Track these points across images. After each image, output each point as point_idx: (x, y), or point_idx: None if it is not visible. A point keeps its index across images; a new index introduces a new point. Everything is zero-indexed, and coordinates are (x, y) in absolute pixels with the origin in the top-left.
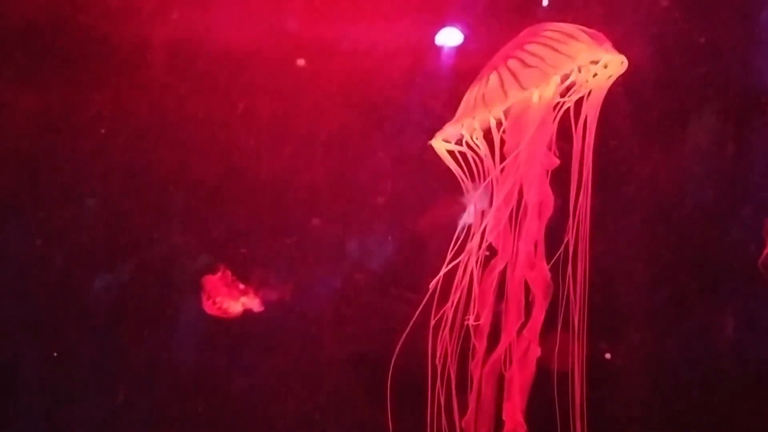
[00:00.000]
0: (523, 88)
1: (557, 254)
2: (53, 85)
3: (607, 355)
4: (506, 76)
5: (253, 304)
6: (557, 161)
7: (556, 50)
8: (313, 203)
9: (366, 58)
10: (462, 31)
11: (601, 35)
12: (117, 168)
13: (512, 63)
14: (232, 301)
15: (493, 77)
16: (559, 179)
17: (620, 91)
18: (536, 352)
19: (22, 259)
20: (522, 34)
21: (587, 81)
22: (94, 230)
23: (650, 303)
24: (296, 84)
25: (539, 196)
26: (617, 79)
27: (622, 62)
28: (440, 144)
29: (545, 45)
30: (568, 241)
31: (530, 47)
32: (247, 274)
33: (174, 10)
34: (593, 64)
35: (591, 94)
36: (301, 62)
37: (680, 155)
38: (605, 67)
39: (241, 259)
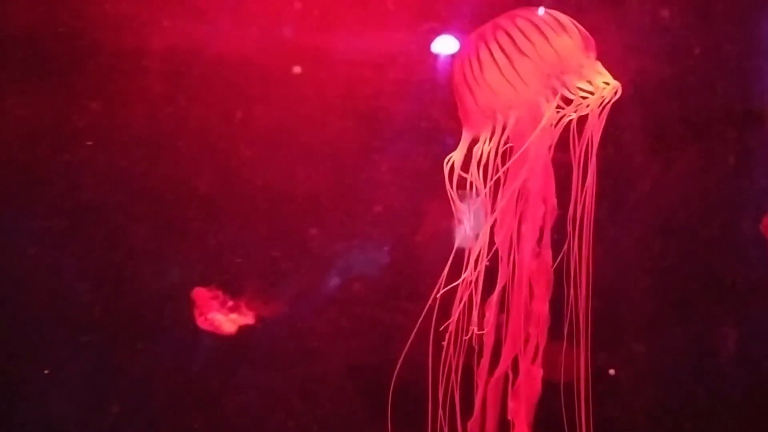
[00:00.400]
0: (527, 86)
1: (559, 260)
2: (48, 93)
3: (611, 371)
4: (504, 64)
5: (246, 318)
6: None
7: (547, 40)
8: (311, 213)
9: (364, 67)
10: (460, 39)
11: (590, 39)
12: (112, 177)
13: (502, 38)
14: (224, 318)
15: (489, 64)
16: (561, 188)
17: (619, 99)
18: (539, 372)
19: (13, 269)
20: (513, 12)
21: (579, 87)
22: (87, 240)
23: (654, 310)
24: (294, 93)
25: (542, 189)
26: (616, 87)
27: (600, 67)
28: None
29: (537, 29)
30: (569, 249)
31: (521, 23)
32: (242, 285)
33: (171, 18)
34: (579, 68)
35: (592, 104)
36: (298, 71)
37: (682, 163)
38: (587, 71)
39: (237, 269)
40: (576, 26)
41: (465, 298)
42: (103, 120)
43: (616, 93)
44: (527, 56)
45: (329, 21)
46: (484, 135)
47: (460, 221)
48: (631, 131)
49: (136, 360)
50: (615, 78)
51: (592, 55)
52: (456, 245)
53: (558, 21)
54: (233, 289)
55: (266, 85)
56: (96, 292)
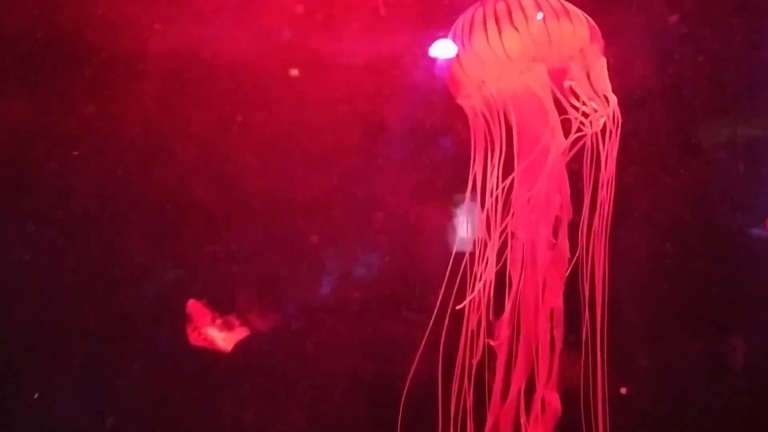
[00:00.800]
0: (506, 53)
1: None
2: (45, 96)
3: (623, 390)
4: (493, 33)
5: (240, 333)
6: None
7: (545, 24)
8: (311, 220)
9: (365, 72)
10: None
11: (598, 35)
12: (107, 183)
13: (500, 7)
14: (219, 334)
15: (479, 29)
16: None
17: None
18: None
19: (5, 277)
20: None
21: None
22: (80, 248)
23: (663, 318)
24: (293, 98)
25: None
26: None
27: (601, 60)
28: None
29: (539, 7)
30: (580, 258)
31: (524, 1)
32: (240, 295)
33: (169, 21)
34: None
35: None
36: (298, 76)
37: (687, 169)
38: (586, 61)
39: (234, 279)
40: (588, 21)
41: (475, 306)
42: (99, 125)
43: (610, 103)
44: (517, 30)
45: (330, 25)
46: (477, 109)
47: (459, 226)
48: (636, 136)
49: (130, 371)
50: (620, 82)
51: (595, 51)
52: (459, 250)
53: (565, 8)
54: (230, 300)
55: (266, 90)
56: (89, 302)
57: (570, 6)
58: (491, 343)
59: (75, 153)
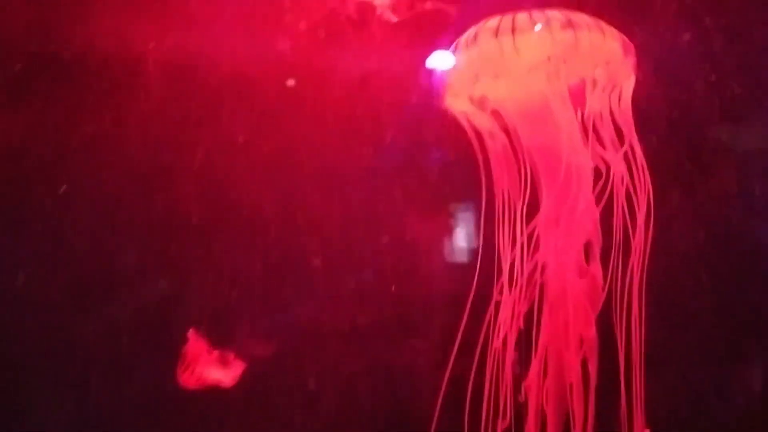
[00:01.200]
0: (515, 45)
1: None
2: (39, 113)
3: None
4: (505, 23)
5: (236, 366)
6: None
7: (573, 30)
8: (313, 241)
9: (368, 89)
10: None
11: (631, 47)
12: (103, 204)
13: (520, 16)
14: (216, 372)
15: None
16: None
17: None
18: None
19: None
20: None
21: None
22: (76, 270)
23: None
24: (296, 116)
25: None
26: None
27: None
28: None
29: (566, 16)
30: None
31: (550, 12)
32: (239, 320)
33: (168, 39)
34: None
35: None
36: (300, 94)
37: (708, 189)
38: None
39: (233, 302)
40: (622, 38)
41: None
42: (95, 144)
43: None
44: (537, 24)
45: (336, 41)
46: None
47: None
48: (659, 153)
49: (125, 400)
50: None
51: (627, 68)
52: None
53: (599, 23)
54: (229, 325)
55: (267, 109)
56: (83, 325)
57: (605, 24)
58: (520, 399)
59: (89, 162)
